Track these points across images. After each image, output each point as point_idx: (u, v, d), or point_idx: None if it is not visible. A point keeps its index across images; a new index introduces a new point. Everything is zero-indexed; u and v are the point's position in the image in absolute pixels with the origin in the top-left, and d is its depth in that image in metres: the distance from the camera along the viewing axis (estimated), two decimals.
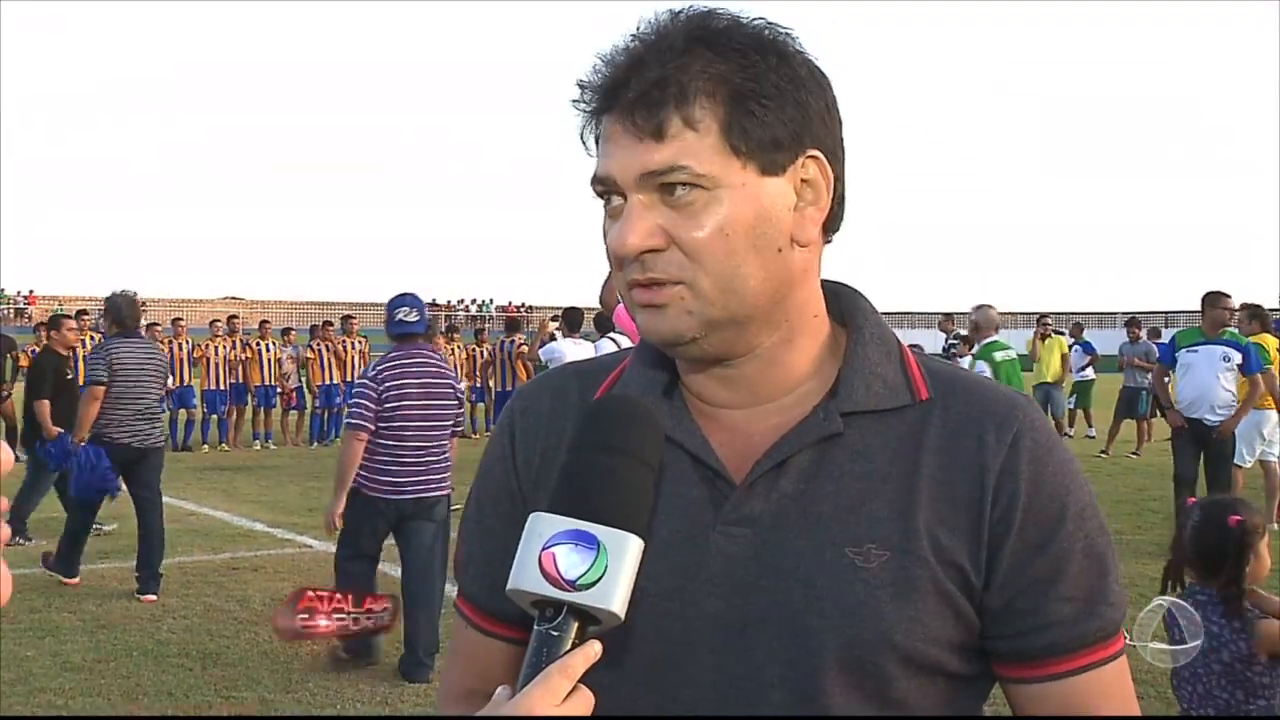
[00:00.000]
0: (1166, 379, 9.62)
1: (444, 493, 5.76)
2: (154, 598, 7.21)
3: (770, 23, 1.04)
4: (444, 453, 5.72)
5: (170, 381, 16.53)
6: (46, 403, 8.84)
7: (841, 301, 1.15)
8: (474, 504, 1.23)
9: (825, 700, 1.02)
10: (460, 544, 1.24)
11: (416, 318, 5.77)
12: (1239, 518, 3.12)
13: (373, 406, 5.53)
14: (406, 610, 5.54)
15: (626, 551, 0.91)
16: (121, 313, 7.64)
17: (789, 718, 1.03)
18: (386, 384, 5.55)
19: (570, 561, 0.90)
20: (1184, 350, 9.11)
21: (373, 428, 5.53)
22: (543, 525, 0.93)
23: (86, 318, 16.62)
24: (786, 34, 1.04)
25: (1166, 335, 18.54)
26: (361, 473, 5.60)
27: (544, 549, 0.91)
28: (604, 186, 1.05)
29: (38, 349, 10.67)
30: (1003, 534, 1.04)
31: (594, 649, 0.90)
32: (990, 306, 10.92)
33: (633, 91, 1.00)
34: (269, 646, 6.08)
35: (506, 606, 0.97)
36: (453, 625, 1.28)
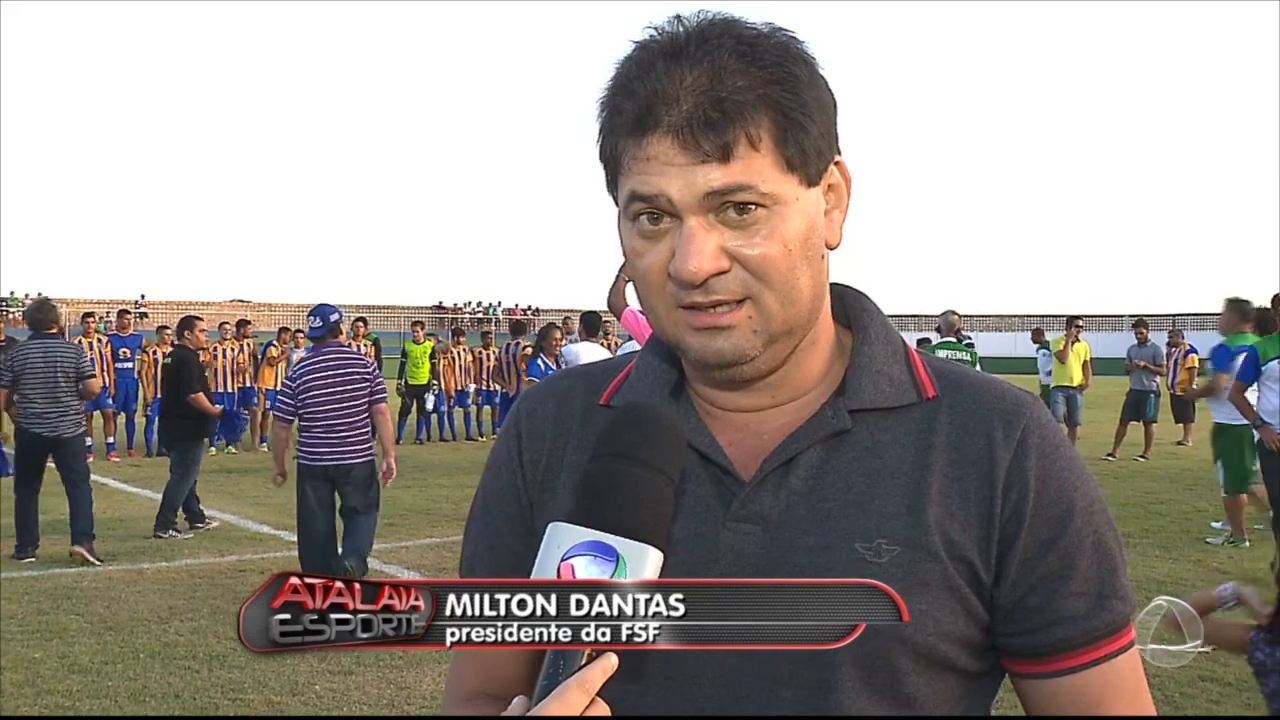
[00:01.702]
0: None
1: (361, 459, 7.32)
2: (83, 550, 8.37)
3: (779, 28, 1.04)
4: (359, 426, 7.30)
5: None
6: (202, 394, 9.96)
7: (846, 303, 1.16)
8: (479, 504, 1.22)
9: (837, 696, 1.02)
10: (465, 544, 1.23)
11: (319, 324, 7.49)
12: None
13: (290, 402, 7.33)
14: (343, 550, 7.38)
15: (646, 565, 0.90)
16: (30, 317, 9.07)
17: (799, 718, 1.02)
18: (298, 382, 7.32)
19: (589, 574, 0.90)
20: (1274, 361, 8.25)
21: (291, 419, 7.38)
22: (561, 535, 0.92)
23: (92, 320, 16.69)
24: (797, 39, 1.04)
25: (1190, 338, 18.44)
26: (298, 449, 7.44)
27: (563, 560, 0.90)
28: (652, 206, 1.01)
29: (170, 350, 11.16)
30: (1014, 532, 1.04)
31: (610, 662, 0.89)
32: (953, 312, 12.45)
33: (687, 110, 0.98)
34: None
35: None
36: None
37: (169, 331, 17.85)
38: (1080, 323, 16.18)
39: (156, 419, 10.54)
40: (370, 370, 7.46)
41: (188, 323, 10.69)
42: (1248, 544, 9.08)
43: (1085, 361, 15.75)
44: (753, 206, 0.99)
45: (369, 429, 7.39)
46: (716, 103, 0.98)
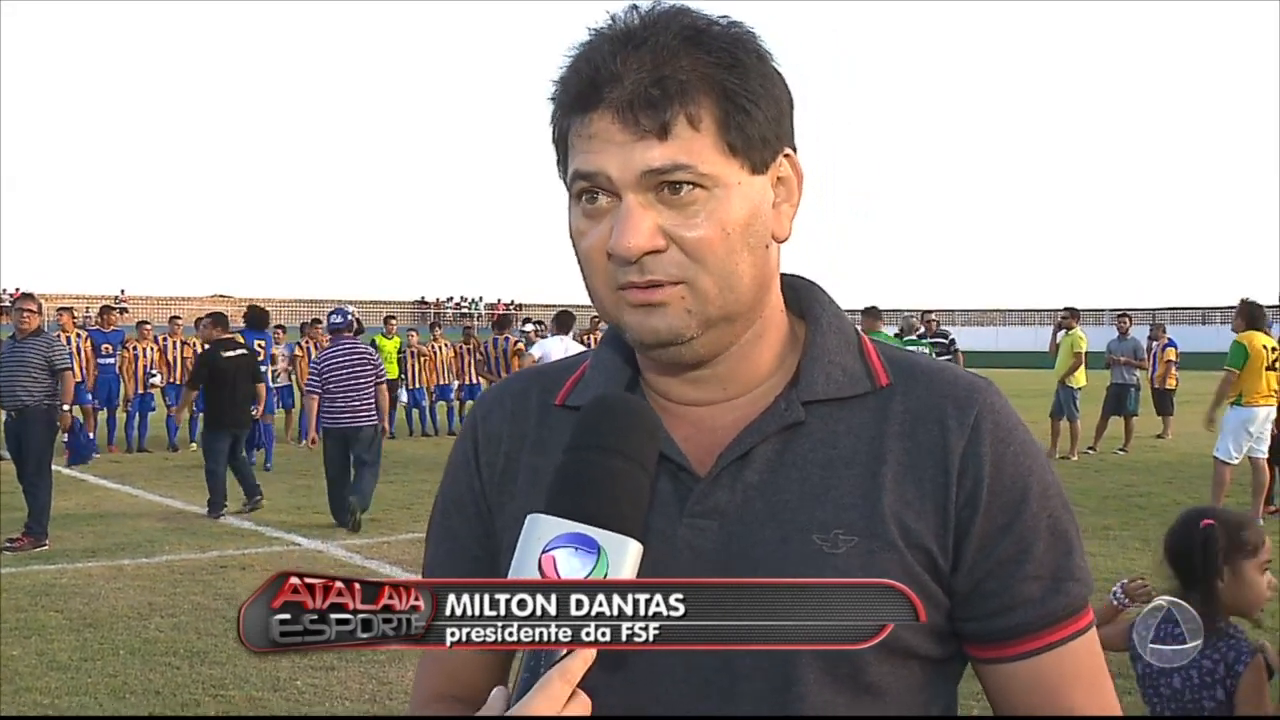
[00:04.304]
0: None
1: (368, 423, 9.95)
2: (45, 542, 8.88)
3: (735, 21, 1.05)
4: (366, 399, 9.94)
5: (160, 379, 16.55)
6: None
7: (799, 294, 1.16)
8: (439, 508, 1.23)
9: (799, 688, 1.02)
10: (426, 547, 1.24)
11: (340, 320, 10.30)
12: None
13: (318, 380, 10.02)
14: (350, 490, 9.73)
15: (626, 556, 0.90)
16: None
17: (775, 717, 1.02)
18: (323, 364, 10.06)
19: (571, 566, 0.89)
20: None
21: (320, 392, 10.00)
22: (541, 528, 0.91)
23: (68, 314, 16.50)
24: (753, 33, 1.05)
25: (1171, 332, 18.45)
26: (320, 416, 10.10)
27: (544, 552, 0.90)
28: (592, 184, 1.02)
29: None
30: (969, 517, 1.04)
31: (589, 652, 0.89)
32: (913, 314, 17.00)
33: (629, 88, 0.99)
34: None
35: None
36: None
37: (149, 326, 17.75)
38: (1066, 314, 15.77)
39: (204, 411, 11.61)
40: (374, 358, 10.20)
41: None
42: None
43: (1076, 353, 15.00)
44: (689, 186, 1.00)
45: (373, 401, 10.02)
46: (657, 81, 0.98)
